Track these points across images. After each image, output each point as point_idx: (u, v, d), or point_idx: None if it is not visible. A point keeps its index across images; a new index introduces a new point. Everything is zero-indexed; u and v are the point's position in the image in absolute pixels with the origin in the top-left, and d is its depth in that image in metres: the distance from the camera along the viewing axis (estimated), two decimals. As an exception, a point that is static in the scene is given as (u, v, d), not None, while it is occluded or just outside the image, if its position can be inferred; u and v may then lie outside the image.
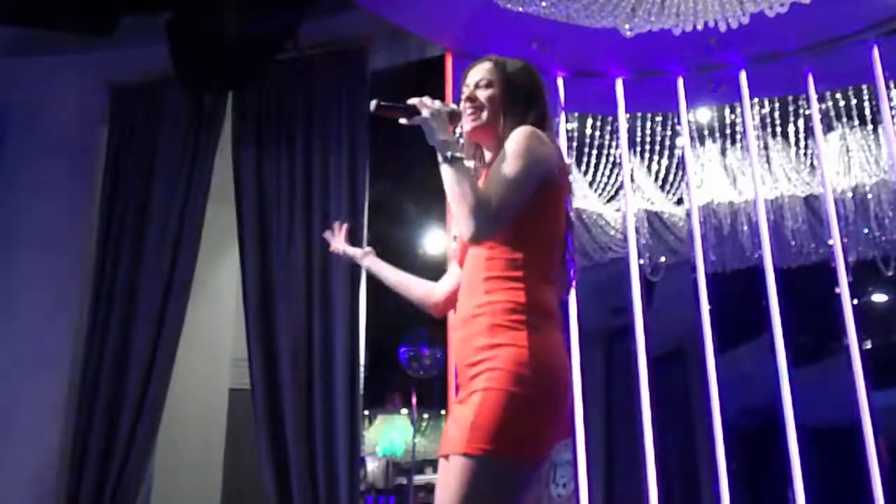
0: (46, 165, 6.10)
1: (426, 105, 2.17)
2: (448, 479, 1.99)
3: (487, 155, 2.35)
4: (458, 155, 2.09)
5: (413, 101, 2.18)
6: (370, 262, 2.67)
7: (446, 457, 2.09)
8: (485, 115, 2.29)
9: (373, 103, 2.19)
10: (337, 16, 5.65)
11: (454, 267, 2.46)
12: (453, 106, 2.29)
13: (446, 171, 2.07)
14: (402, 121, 2.19)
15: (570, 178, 2.33)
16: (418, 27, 5.54)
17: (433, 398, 12.63)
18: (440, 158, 2.09)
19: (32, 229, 5.97)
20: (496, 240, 2.13)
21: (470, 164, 2.35)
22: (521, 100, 2.30)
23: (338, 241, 2.80)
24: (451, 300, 2.44)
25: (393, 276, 2.60)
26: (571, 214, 2.30)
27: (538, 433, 2.01)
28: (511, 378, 1.99)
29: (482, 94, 2.30)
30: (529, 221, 2.14)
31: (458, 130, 2.35)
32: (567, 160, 2.32)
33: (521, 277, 2.11)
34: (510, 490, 1.98)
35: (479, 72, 2.34)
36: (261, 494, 5.17)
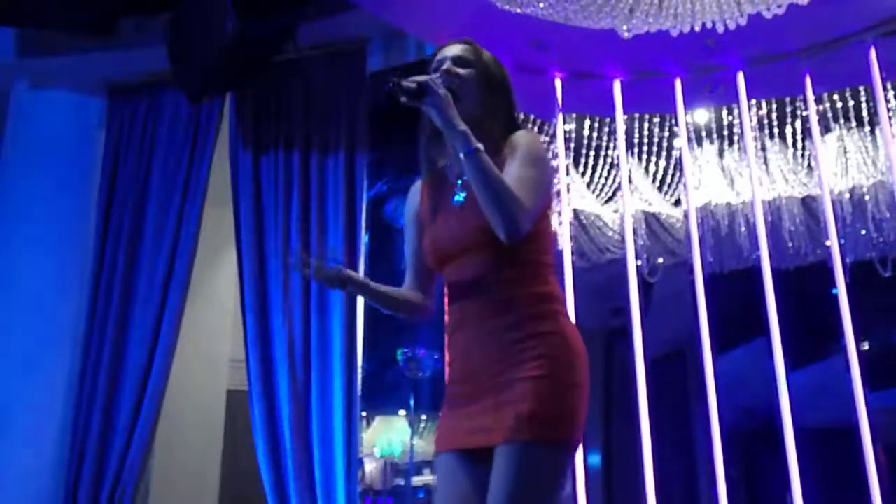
0: (44, 166, 6.09)
1: (439, 88, 2.05)
2: (505, 468, 1.95)
3: None
4: (480, 146, 2.01)
5: (421, 78, 2.06)
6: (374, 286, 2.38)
7: (466, 449, 2.07)
8: (462, 93, 2.18)
9: (388, 84, 2.04)
10: (335, 16, 5.65)
11: (414, 273, 2.36)
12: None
13: (476, 164, 2.00)
14: (403, 99, 2.05)
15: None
16: (416, 28, 5.53)
17: (430, 399, 12.64)
18: (462, 150, 2.01)
19: (30, 229, 5.97)
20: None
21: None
22: (495, 89, 2.25)
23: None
24: (433, 303, 2.40)
25: (384, 288, 2.35)
26: None
27: (584, 416, 2.06)
28: (562, 365, 2.03)
29: (462, 72, 2.23)
30: (541, 221, 2.15)
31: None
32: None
33: (542, 272, 2.14)
34: (566, 473, 2.05)
35: (457, 49, 2.27)
36: (259, 495, 5.17)
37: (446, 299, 2.25)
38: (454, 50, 2.27)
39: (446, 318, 2.28)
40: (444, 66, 2.24)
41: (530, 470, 1.94)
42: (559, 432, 1.98)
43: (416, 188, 2.40)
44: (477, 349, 2.11)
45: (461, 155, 2.02)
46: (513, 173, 2.08)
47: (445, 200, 2.26)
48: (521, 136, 2.17)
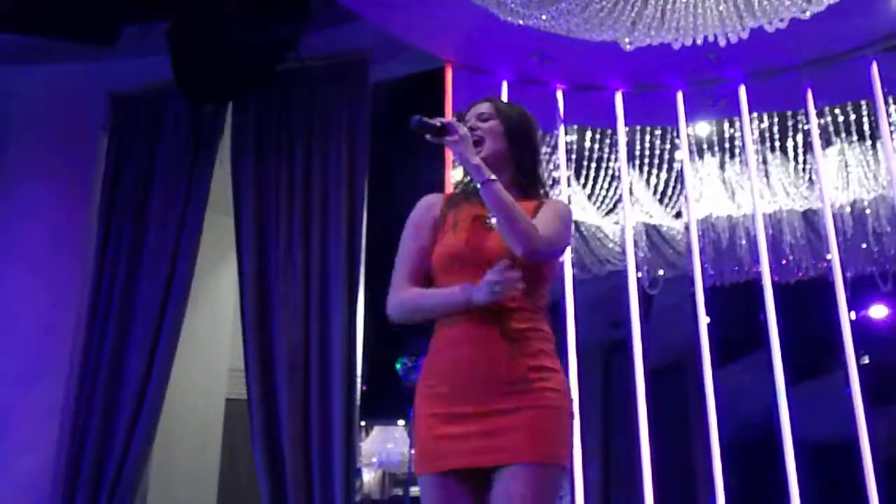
0: (46, 173, 6.10)
1: (459, 128, 2.33)
2: (518, 485, 2.16)
3: None
4: (493, 177, 2.26)
5: (446, 120, 2.35)
6: None
7: (477, 468, 2.22)
8: (486, 145, 2.46)
9: (415, 119, 2.30)
10: (338, 27, 5.66)
11: (415, 272, 2.48)
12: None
13: (490, 192, 2.24)
14: (428, 137, 2.33)
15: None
16: (419, 39, 5.55)
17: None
18: (478, 181, 2.26)
19: (31, 237, 5.97)
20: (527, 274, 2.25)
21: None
22: (514, 136, 2.51)
23: None
24: None
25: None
26: None
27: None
28: (565, 398, 2.31)
29: (484, 125, 2.50)
30: (549, 268, 2.42)
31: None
32: None
33: (542, 313, 2.38)
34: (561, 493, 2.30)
35: (481, 107, 2.56)
36: (256, 505, 5.16)
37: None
38: (478, 108, 2.56)
39: (441, 330, 2.38)
40: (469, 123, 2.51)
41: (540, 489, 2.18)
42: (561, 455, 2.26)
43: (434, 199, 2.59)
44: (478, 368, 2.25)
45: (478, 185, 2.27)
46: (541, 216, 2.35)
47: (465, 217, 2.44)
48: (555, 200, 2.54)
